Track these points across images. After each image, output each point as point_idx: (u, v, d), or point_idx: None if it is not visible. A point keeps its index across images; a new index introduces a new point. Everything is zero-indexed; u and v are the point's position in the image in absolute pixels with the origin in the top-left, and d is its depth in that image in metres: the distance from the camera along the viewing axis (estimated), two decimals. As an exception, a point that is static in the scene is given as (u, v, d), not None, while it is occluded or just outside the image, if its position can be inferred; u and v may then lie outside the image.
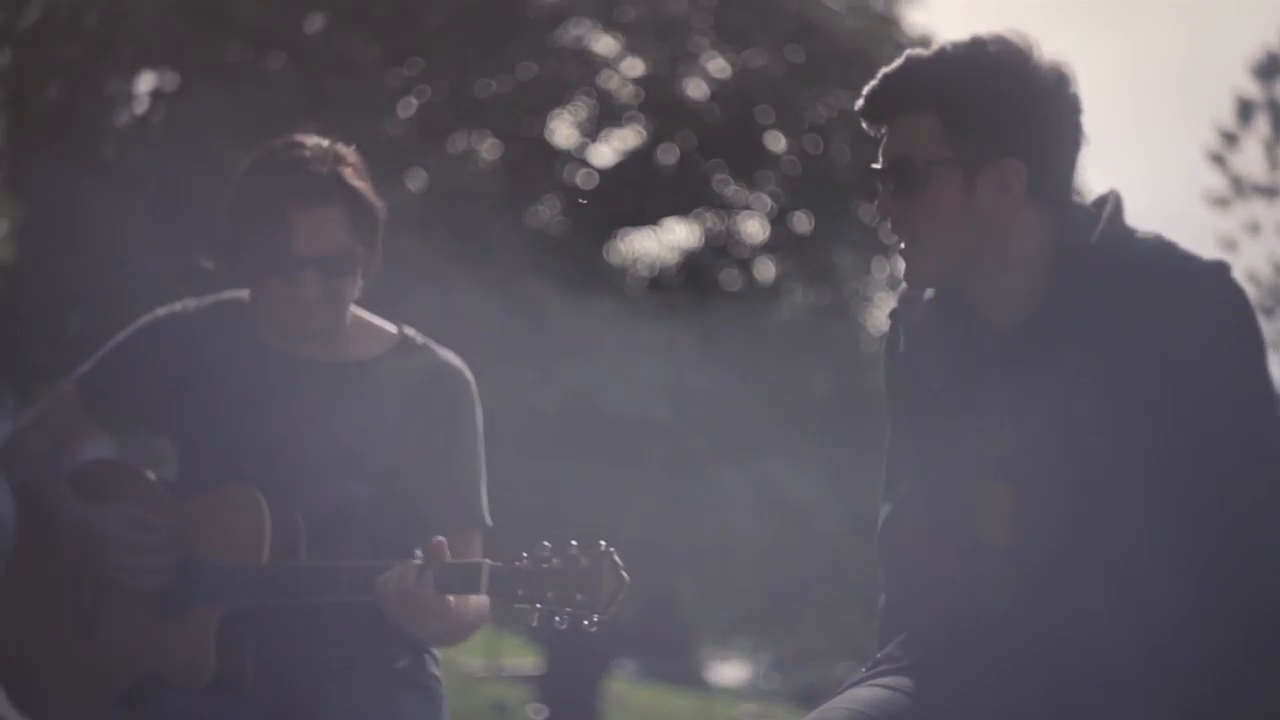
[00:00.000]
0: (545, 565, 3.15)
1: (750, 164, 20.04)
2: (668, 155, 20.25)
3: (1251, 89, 23.04)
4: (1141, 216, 2.93)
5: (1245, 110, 22.86)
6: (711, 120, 19.78)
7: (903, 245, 2.89)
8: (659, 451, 16.68)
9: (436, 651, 3.65)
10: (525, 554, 3.18)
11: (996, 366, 2.87)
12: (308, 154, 3.49)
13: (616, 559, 3.14)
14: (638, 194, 19.75)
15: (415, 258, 14.24)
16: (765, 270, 20.78)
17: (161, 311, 3.67)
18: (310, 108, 16.59)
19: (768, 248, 20.62)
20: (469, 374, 3.62)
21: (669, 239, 20.72)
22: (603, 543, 3.15)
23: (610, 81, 19.99)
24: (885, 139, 2.87)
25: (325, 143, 3.55)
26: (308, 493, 3.48)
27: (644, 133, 20.22)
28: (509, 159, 19.61)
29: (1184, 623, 2.74)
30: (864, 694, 2.92)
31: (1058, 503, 2.80)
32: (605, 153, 20.38)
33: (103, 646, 3.52)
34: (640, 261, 20.76)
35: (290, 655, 3.48)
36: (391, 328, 3.67)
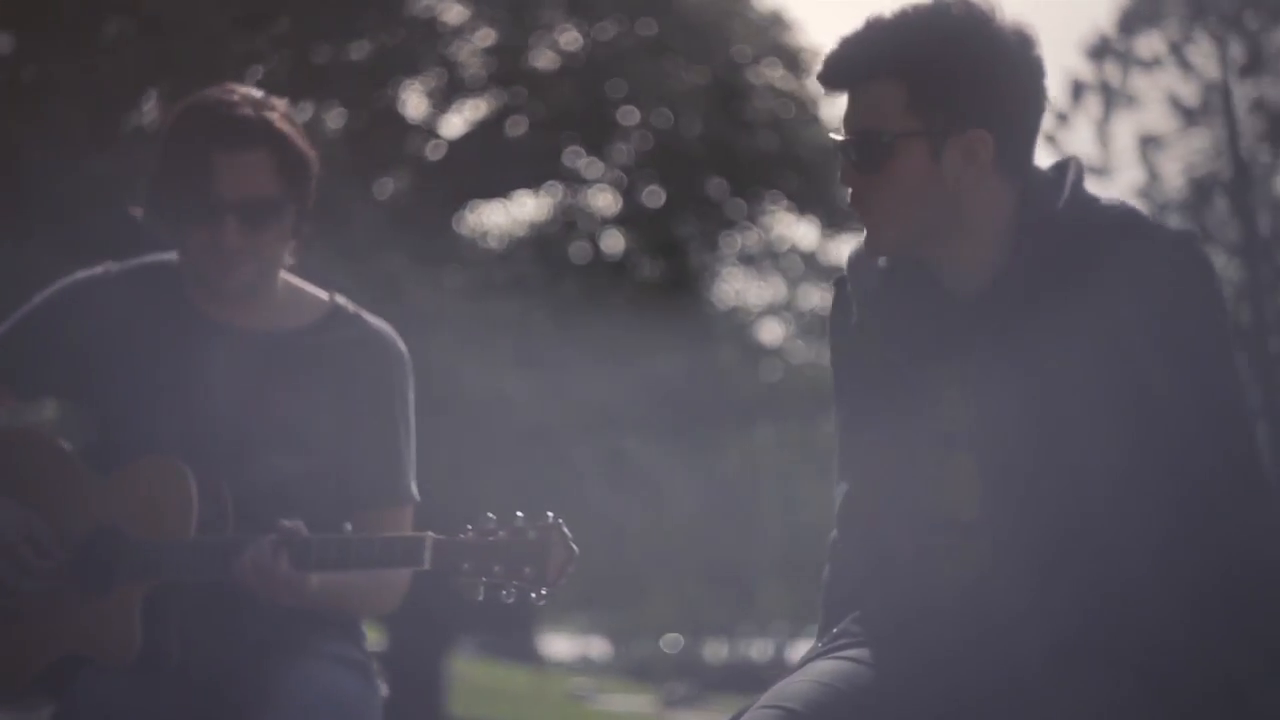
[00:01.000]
0: (491, 538, 3.08)
1: (601, 137, 19.96)
2: (517, 127, 20.11)
3: (1083, 69, 23.42)
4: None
5: (1077, 90, 23.20)
6: (562, 92, 19.66)
7: (863, 215, 2.82)
8: (512, 426, 16.59)
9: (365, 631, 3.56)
10: (470, 526, 3.10)
11: (959, 336, 2.80)
12: (235, 99, 3.37)
13: (565, 530, 3.08)
14: (488, 166, 19.59)
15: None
16: (614, 243, 20.74)
17: (81, 275, 3.51)
18: (157, 71, 16.26)
19: (617, 221, 20.58)
20: (402, 345, 3.53)
21: (519, 212, 20.61)
22: (550, 514, 3.08)
23: (460, 52, 19.81)
24: (847, 107, 2.79)
25: (255, 91, 3.43)
26: (236, 467, 3.37)
27: (494, 104, 20.08)
28: (356, 129, 19.35)
29: (1145, 591, 2.72)
30: (826, 665, 2.86)
31: (1022, 474, 2.76)
32: (455, 124, 20.22)
33: (24, 628, 3.36)
34: (490, 234, 20.63)
35: (218, 633, 3.37)
36: (323, 295, 3.56)
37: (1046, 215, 2.76)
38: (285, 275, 3.52)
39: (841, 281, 2.96)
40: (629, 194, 20.37)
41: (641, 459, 17.14)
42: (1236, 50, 32.84)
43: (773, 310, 21.72)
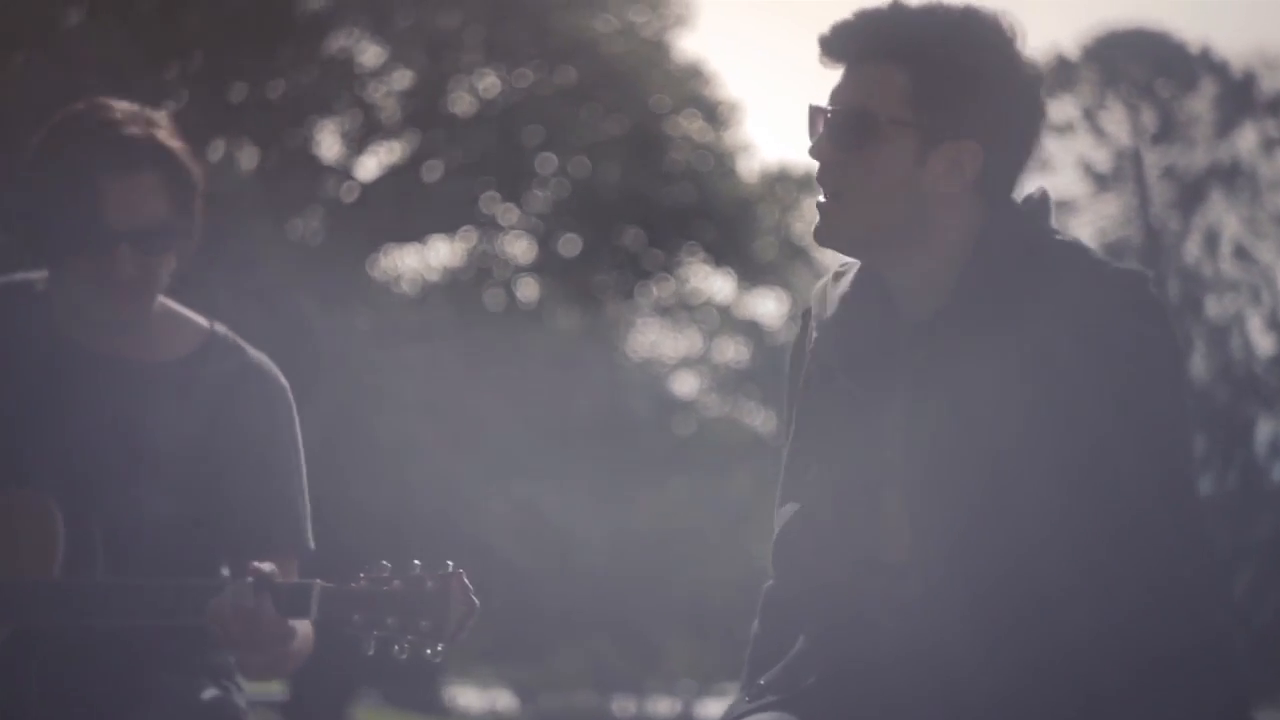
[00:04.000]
0: (385, 588, 2.85)
1: (518, 183, 19.80)
2: (433, 171, 19.91)
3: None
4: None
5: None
6: (480, 137, 19.48)
7: (826, 199, 2.67)
8: (419, 472, 16.32)
9: (242, 682, 3.30)
10: (362, 574, 2.86)
11: (901, 363, 2.67)
12: (118, 116, 3.11)
13: (466, 581, 2.84)
14: (402, 210, 19.38)
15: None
16: (529, 291, 20.54)
17: None
18: (63, 105, 15.94)
19: (533, 269, 20.39)
20: (284, 379, 3.28)
21: (433, 257, 20.38)
22: (450, 563, 2.85)
23: (377, 94, 19.61)
24: (843, 80, 2.66)
25: (135, 106, 3.18)
26: (106, 504, 3.10)
27: (410, 147, 19.87)
28: (269, 169, 19.10)
29: (1082, 644, 2.58)
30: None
31: (953, 516, 2.60)
32: (370, 166, 19.99)
33: None
34: (403, 279, 20.39)
35: (81, 682, 3.10)
36: (202, 322, 3.29)
37: (1006, 242, 2.64)
38: (163, 300, 3.26)
39: (806, 312, 2.86)
40: (545, 242, 20.20)
41: (551, 509, 16.89)
42: (1148, 117, 33.17)
43: (687, 363, 21.56)
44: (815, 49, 2.69)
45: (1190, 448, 2.64)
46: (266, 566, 2.91)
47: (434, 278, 20.33)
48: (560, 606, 18.45)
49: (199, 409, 3.18)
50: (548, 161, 19.86)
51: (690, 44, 25.04)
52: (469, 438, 16.90)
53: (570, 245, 20.37)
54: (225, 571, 3.16)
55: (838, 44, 2.66)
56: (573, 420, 18.05)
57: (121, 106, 3.14)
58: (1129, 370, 2.56)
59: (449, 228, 20.12)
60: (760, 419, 21.77)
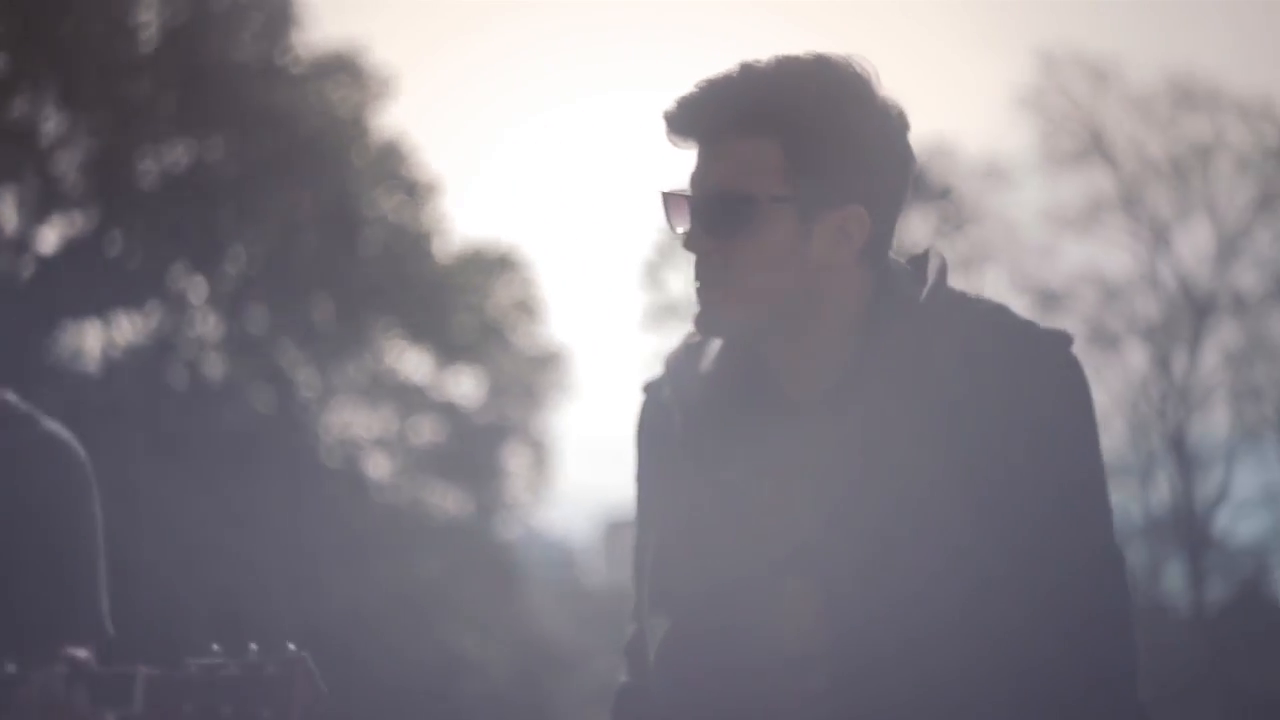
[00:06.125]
0: (220, 674, 2.50)
1: (207, 257, 19.20)
2: (117, 244, 19.20)
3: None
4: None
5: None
6: (168, 209, 18.85)
7: (707, 288, 2.44)
8: (113, 563, 15.58)
9: None
10: (192, 660, 2.52)
11: (800, 445, 2.45)
12: None
13: (311, 666, 2.51)
14: (83, 283, 18.62)
15: None
16: (215, 369, 19.90)
17: None
18: None
19: (220, 346, 19.78)
20: (82, 451, 2.93)
21: (116, 333, 19.60)
22: (292, 646, 2.53)
23: (59, 163, 18.87)
24: (704, 161, 2.43)
25: None
26: None
27: (93, 219, 19.15)
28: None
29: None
30: None
31: (868, 601, 2.42)
32: (49, 238, 19.18)
33: None
34: (85, 356, 19.57)
35: None
36: None
37: (907, 305, 2.45)
38: None
39: (655, 386, 2.61)
40: (233, 317, 19.62)
41: (243, 593, 16.29)
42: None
43: (382, 443, 21.13)
44: (659, 127, 2.46)
45: (1109, 516, 2.47)
46: (80, 653, 2.58)
47: (116, 355, 19.55)
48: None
49: None
50: (239, 235, 19.29)
51: (391, 118, 24.64)
52: (156, 521, 16.22)
53: (260, 321, 19.82)
54: (10, 666, 2.78)
55: (688, 121, 2.42)
56: (263, 502, 17.47)
57: None
58: (1054, 443, 2.42)
59: (133, 302, 19.38)
60: (452, 501, 21.45)
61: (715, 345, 2.54)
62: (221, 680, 2.50)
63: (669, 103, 2.40)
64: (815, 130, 2.38)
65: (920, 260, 2.51)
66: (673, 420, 2.53)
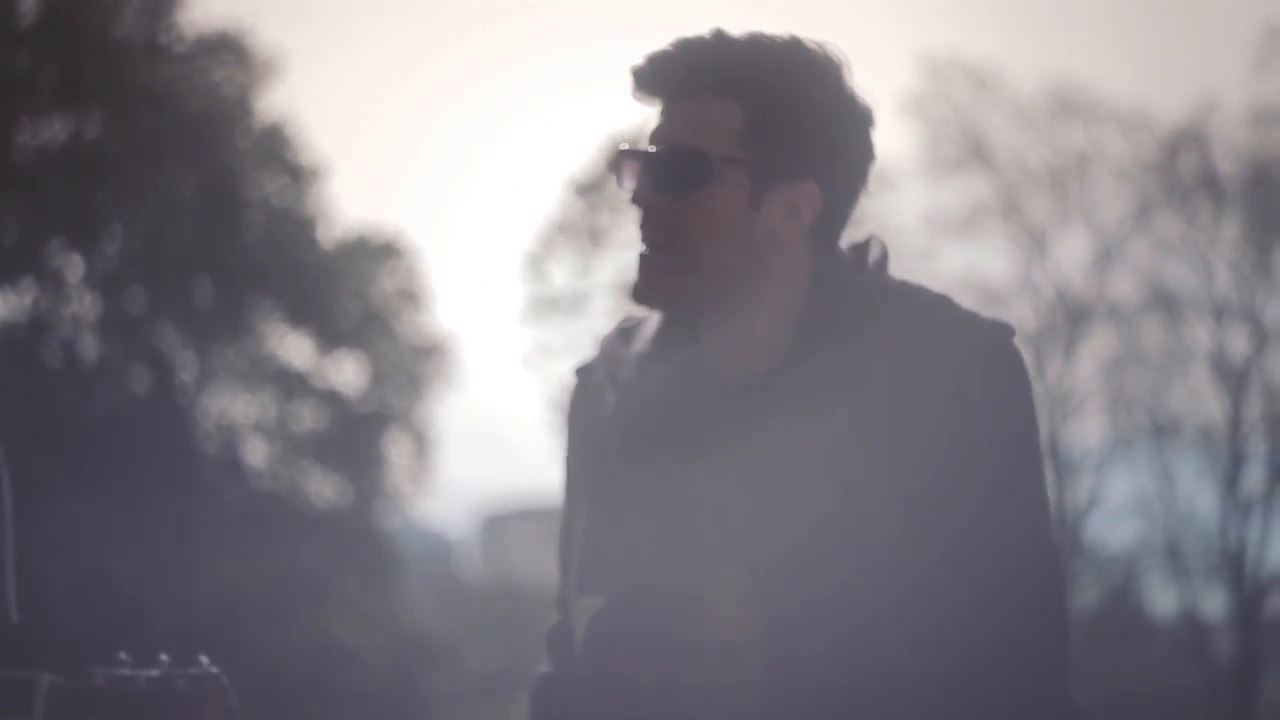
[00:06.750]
0: (128, 687, 2.39)
1: (85, 235, 18.83)
2: (-7, 219, 18.80)
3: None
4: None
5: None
6: (45, 185, 18.47)
7: (650, 250, 2.40)
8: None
9: None
10: (98, 670, 2.41)
11: (731, 428, 2.41)
12: None
13: (224, 681, 2.40)
14: (-44, 258, 18.22)
15: None
16: (91, 349, 19.52)
17: None
18: None
19: (97, 325, 19.41)
20: None
21: (-11, 309, 19.19)
22: (204, 659, 2.43)
23: (-66, 134, 18.43)
24: (664, 118, 2.40)
25: None
26: None
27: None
28: None
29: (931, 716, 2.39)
30: None
31: (797, 587, 2.36)
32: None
33: None
34: (-43, 331, 19.14)
35: None
36: None
37: (846, 289, 2.42)
38: None
39: (587, 369, 2.56)
40: (110, 297, 19.26)
41: (117, 577, 15.99)
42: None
43: (261, 429, 20.83)
44: (624, 82, 2.41)
45: (1047, 511, 2.43)
46: None
47: (-12, 331, 19.15)
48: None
49: None
50: (117, 213, 18.94)
51: (277, 98, 24.22)
52: (30, 505, 15.87)
53: (137, 301, 19.47)
54: None
55: (656, 77, 2.39)
56: (140, 486, 17.16)
57: None
58: (991, 431, 2.37)
59: (7, 278, 18.97)
60: (331, 489, 21.21)
61: (650, 327, 2.48)
62: (129, 694, 2.39)
63: (639, 59, 2.37)
64: (778, 98, 2.35)
65: (861, 248, 2.47)
66: (604, 403, 2.47)
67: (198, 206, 19.14)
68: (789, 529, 2.36)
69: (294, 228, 20.33)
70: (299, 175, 20.47)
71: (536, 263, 24.66)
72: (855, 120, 2.40)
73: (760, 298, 2.39)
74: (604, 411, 2.48)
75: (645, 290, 2.39)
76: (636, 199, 2.36)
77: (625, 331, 2.52)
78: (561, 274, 24.30)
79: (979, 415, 2.36)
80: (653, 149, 2.37)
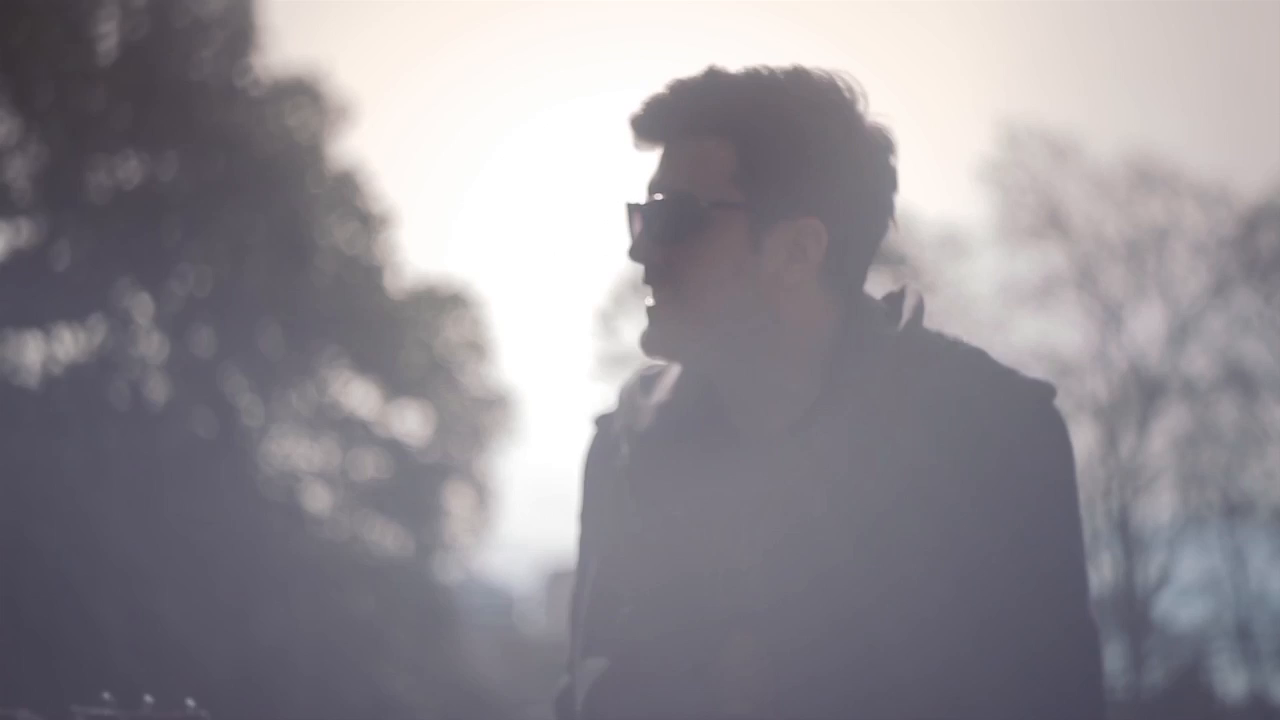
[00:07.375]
0: None
1: (155, 275, 18.83)
2: (63, 256, 18.81)
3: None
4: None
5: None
6: (116, 224, 18.49)
7: (656, 303, 2.32)
8: (36, 578, 15.19)
9: None
10: (79, 709, 2.29)
11: (753, 487, 2.29)
12: None
13: None
14: (26, 295, 18.22)
15: None
16: (157, 390, 19.49)
17: None
18: None
19: (164, 367, 19.38)
20: None
21: (58, 347, 19.17)
22: (191, 702, 2.30)
23: (8, 169, 18.48)
24: (659, 165, 2.32)
25: None
26: None
27: (40, 229, 18.77)
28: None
29: None
30: None
31: (818, 660, 2.24)
32: (-7, 246, 18.76)
33: None
34: (24, 369, 19.11)
35: None
36: None
37: (878, 341, 2.29)
38: None
39: (606, 419, 2.47)
40: (178, 338, 19.24)
41: (172, 621, 15.86)
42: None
43: (323, 476, 20.74)
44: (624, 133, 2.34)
45: (1086, 584, 2.29)
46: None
47: (57, 370, 19.11)
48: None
49: None
50: (188, 254, 18.93)
51: (350, 145, 24.22)
52: (88, 541, 15.78)
53: (205, 344, 19.45)
54: None
55: (652, 123, 2.31)
56: (199, 528, 17.06)
57: None
58: (1031, 496, 2.25)
59: (76, 317, 18.97)
60: (391, 539, 21.10)
61: (671, 376, 2.37)
62: None
63: (634, 105, 2.27)
64: (769, 134, 2.26)
65: (895, 297, 2.35)
66: (619, 454, 2.37)
67: (267, 251, 19.15)
68: (808, 597, 2.24)
69: (362, 275, 20.32)
70: (369, 222, 20.47)
71: (607, 319, 24.62)
72: (864, 149, 2.28)
73: (775, 346, 2.29)
74: (619, 463, 2.37)
75: (653, 341, 2.31)
76: (633, 253, 2.27)
77: (646, 380, 2.42)
78: (632, 331, 24.21)
79: (1017, 481, 2.24)
80: (645, 200, 2.29)
